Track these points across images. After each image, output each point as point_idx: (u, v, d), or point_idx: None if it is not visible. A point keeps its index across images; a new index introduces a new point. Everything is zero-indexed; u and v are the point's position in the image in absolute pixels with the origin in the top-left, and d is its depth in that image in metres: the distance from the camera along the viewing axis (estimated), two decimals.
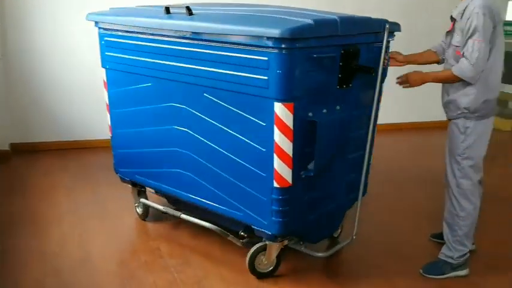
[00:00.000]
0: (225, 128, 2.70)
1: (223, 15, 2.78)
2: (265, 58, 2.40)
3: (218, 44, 2.57)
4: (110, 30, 3.15)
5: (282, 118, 2.44)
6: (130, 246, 3.30)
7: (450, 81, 2.79)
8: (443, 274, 2.95)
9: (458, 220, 2.92)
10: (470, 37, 2.66)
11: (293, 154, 2.52)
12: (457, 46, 2.79)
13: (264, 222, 2.68)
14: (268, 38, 2.34)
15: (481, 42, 2.64)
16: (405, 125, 6.41)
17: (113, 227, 3.48)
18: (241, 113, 2.60)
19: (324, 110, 2.62)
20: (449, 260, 2.96)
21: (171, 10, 2.83)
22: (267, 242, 2.78)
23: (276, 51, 2.36)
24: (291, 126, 2.46)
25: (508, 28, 6.70)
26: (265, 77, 2.42)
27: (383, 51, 2.83)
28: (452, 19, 2.86)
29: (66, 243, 3.22)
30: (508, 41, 7.15)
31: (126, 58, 3.09)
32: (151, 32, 2.89)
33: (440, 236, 3.16)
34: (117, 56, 3.15)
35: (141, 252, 3.16)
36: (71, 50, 4.89)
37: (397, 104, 5.57)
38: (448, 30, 2.92)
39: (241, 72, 2.52)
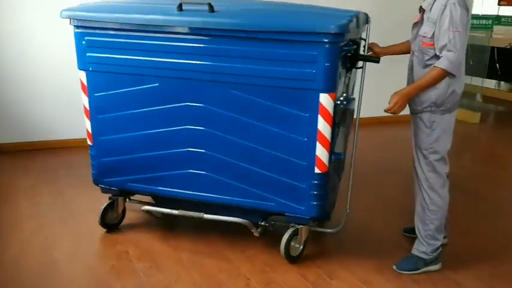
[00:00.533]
0: (257, 123, 2.75)
1: (250, 11, 2.80)
2: (314, 52, 2.54)
3: (259, 40, 2.61)
4: (96, 28, 2.86)
5: (326, 107, 2.63)
6: (97, 251, 3.14)
7: (438, 81, 2.70)
8: (417, 270, 2.96)
9: (430, 214, 2.92)
10: (447, 28, 2.61)
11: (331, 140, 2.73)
12: (424, 37, 2.75)
13: (300, 207, 2.84)
14: (320, 34, 2.49)
15: (461, 33, 2.61)
16: (376, 119, 5.88)
17: (79, 230, 3.32)
18: (278, 106, 2.69)
19: (341, 98, 2.87)
20: (423, 256, 2.96)
21: (184, 7, 2.73)
22: (297, 227, 2.94)
23: (324, 45, 2.52)
24: (332, 114, 2.66)
25: (475, 22, 7.07)
26: (313, 70, 2.57)
27: (367, 41, 3.19)
28: (421, 10, 2.82)
29: (29, 249, 3.05)
30: (474, 34, 7.33)
31: (122, 58, 2.85)
32: (163, 30, 2.74)
33: (412, 230, 3.11)
34: (106, 57, 2.88)
35: (108, 257, 3.03)
36: (32, 48, 4.69)
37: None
38: (415, 21, 2.89)
39: (283, 67, 2.61)
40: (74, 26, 2.92)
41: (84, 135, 3.13)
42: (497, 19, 7.78)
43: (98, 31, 2.87)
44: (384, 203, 4.01)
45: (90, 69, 2.94)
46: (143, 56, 2.83)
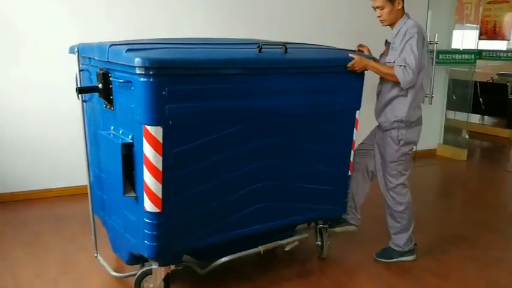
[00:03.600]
0: (314, 145, 3.18)
1: (312, 50, 3.30)
2: (357, 80, 3.26)
3: (327, 74, 3.10)
4: (183, 75, 2.53)
5: (358, 120, 3.36)
6: None
7: (389, 76, 3.14)
8: (391, 258, 3.48)
9: (398, 213, 3.42)
10: (405, 51, 3.07)
11: None
12: (389, 62, 3.19)
13: (336, 207, 3.46)
14: None
15: (416, 55, 3.04)
16: None
17: None
18: (330, 127, 3.23)
19: None
20: (397, 248, 3.49)
21: (263, 49, 2.83)
22: (324, 227, 3.50)
23: (362, 75, 3.27)
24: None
25: (458, 57, 6.62)
26: (354, 94, 3.27)
27: None
28: (387, 42, 3.29)
29: None
30: (457, 69, 7.06)
31: (206, 106, 2.66)
32: (243, 72, 2.77)
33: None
34: (191, 106, 2.59)
35: None
36: None
37: None
38: (382, 53, 3.35)
39: (336, 94, 3.19)
40: (144, 74, 2.45)
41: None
42: (479, 53, 7.51)
43: (181, 77, 2.55)
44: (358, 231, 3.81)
45: (170, 123, 2.56)
46: (225, 100, 2.74)
